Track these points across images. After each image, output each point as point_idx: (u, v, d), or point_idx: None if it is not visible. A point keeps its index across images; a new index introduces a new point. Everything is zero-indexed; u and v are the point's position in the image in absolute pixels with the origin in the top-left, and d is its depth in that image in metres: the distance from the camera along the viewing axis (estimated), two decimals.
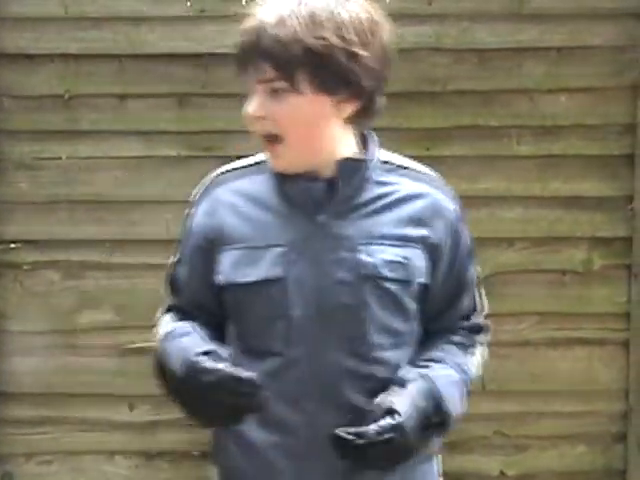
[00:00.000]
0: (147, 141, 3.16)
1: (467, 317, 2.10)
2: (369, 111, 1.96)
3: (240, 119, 3.13)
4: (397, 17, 3.14)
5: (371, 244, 1.93)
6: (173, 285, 2.12)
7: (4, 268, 3.21)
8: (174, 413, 3.26)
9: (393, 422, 1.87)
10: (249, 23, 1.88)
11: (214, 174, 2.07)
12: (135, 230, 3.18)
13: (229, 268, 1.97)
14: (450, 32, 3.14)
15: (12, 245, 3.20)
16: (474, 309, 2.11)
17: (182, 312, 2.08)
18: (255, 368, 1.89)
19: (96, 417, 3.27)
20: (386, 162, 2.01)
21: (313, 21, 1.82)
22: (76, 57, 3.12)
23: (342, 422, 1.91)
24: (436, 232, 1.98)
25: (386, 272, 1.93)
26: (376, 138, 2.03)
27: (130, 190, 3.17)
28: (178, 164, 3.16)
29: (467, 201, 3.19)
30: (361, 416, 1.91)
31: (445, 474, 3.01)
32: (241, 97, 3.12)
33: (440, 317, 2.07)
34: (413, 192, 1.99)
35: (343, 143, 1.94)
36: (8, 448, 3.27)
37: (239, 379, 1.82)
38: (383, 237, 1.94)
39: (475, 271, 2.10)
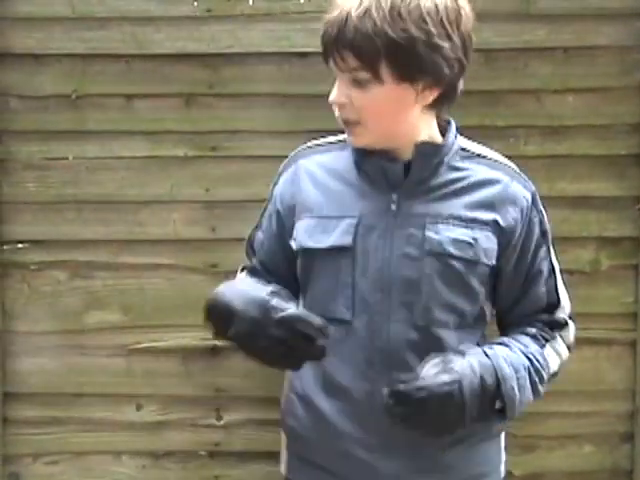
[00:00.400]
0: (154, 141, 3.16)
1: (548, 311, 2.11)
2: (449, 98, 2.04)
3: (247, 119, 3.17)
4: None
5: (439, 223, 2.00)
6: (250, 248, 2.20)
7: (11, 268, 3.21)
8: (181, 413, 3.30)
9: (452, 376, 1.88)
10: (333, 14, 1.92)
11: (301, 147, 2.15)
12: (142, 230, 3.17)
13: (304, 234, 2.04)
14: None
15: (19, 245, 3.20)
16: (556, 304, 2.12)
17: (255, 273, 2.20)
18: None
19: (103, 417, 3.27)
20: (464, 149, 2.09)
21: (396, 13, 1.88)
22: (83, 57, 3.12)
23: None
24: (507, 218, 2.04)
25: (452, 250, 1.99)
26: (455, 125, 2.10)
27: (137, 190, 3.17)
28: (185, 164, 3.16)
29: None
30: None
31: None
32: (248, 97, 3.16)
33: (515, 306, 2.11)
34: (486, 178, 2.06)
35: (423, 128, 2.01)
36: (15, 448, 3.27)
37: (306, 321, 1.85)
38: (452, 217, 2.00)
39: (554, 264, 2.11)
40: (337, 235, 2.00)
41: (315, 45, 3.21)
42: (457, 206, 2.01)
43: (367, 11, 1.88)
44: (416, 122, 1.99)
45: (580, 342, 3.21)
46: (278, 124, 3.09)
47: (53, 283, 3.21)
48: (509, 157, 3.08)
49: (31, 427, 3.26)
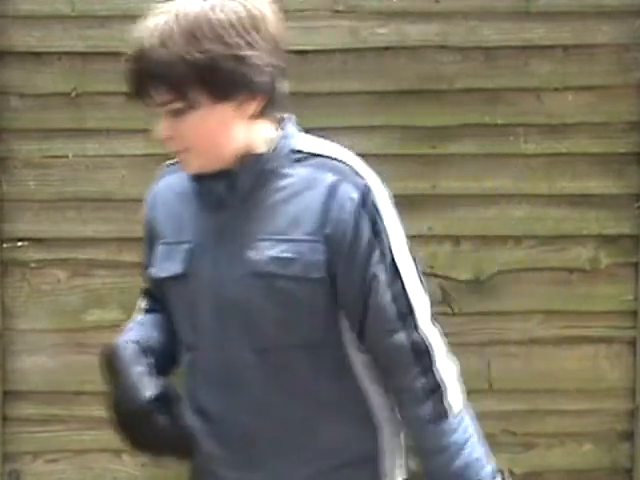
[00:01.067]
0: (154, 139, 3.16)
1: (402, 327, 1.90)
2: (274, 103, 1.92)
3: None
4: (404, 15, 3.19)
5: (262, 240, 1.89)
6: (146, 273, 2.16)
7: (11, 266, 3.21)
8: None
9: None
10: (131, 49, 1.84)
11: (161, 168, 2.11)
12: (142, 228, 3.17)
13: (156, 262, 2.01)
14: (457, 30, 3.14)
15: (19, 243, 3.21)
16: (407, 311, 1.91)
17: (151, 295, 2.17)
18: (184, 359, 2.01)
19: (103, 415, 3.24)
20: (298, 151, 1.94)
21: (193, 35, 1.79)
22: (83, 55, 3.13)
23: (250, 412, 1.92)
24: (333, 223, 1.88)
25: (273, 269, 1.88)
26: (291, 125, 1.97)
27: (137, 188, 3.15)
28: None
29: (473, 199, 3.23)
30: (269, 409, 1.92)
31: None
32: None
33: (364, 325, 1.92)
34: (312, 181, 1.90)
35: (252, 139, 1.91)
36: (15, 446, 3.28)
37: (179, 436, 1.93)
38: (275, 232, 1.89)
39: (398, 268, 1.91)
40: (175, 263, 1.96)
41: (314, 43, 3.24)
42: (281, 218, 1.89)
43: (163, 41, 1.79)
44: (245, 135, 1.90)
45: (579, 340, 3.24)
46: None
47: (53, 281, 3.22)
48: (509, 155, 3.10)
49: (31, 425, 3.27)
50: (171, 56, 1.78)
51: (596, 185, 3.20)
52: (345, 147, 3.12)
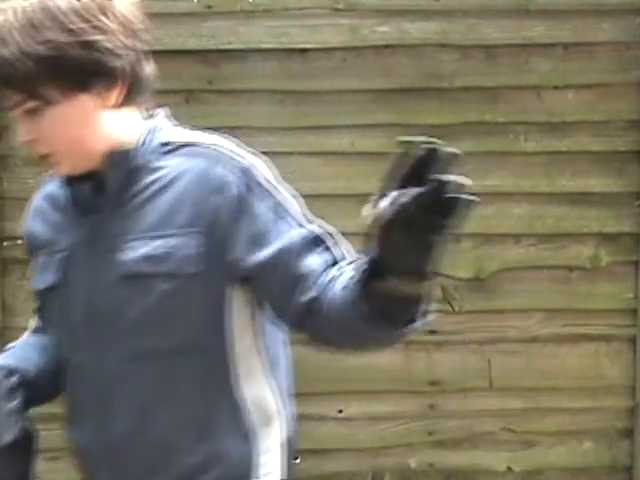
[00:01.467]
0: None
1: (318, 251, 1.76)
2: (140, 88, 1.79)
3: (247, 116, 3.17)
4: (404, 13, 3.19)
5: (135, 239, 1.78)
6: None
7: (11, 264, 3.21)
8: None
9: None
10: None
11: (43, 179, 1.98)
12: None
13: (34, 275, 1.91)
14: (457, 28, 3.14)
15: (19, 241, 3.20)
16: (323, 244, 1.77)
17: (41, 313, 2.02)
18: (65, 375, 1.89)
19: None
20: (166, 143, 1.83)
21: (33, 26, 1.67)
22: None
23: (124, 426, 1.82)
24: (208, 210, 1.75)
25: (145, 268, 1.77)
26: (162, 117, 1.86)
27: None
28: None
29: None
30: (139, 428, 1.82)
31: (453, 470, 3.01)
32: (248, 94, 3.16)
33: (299, 292, 1.74)
34: (182, 171, 1.78)
35: (119, 131, 1.80)
36: None
37: None
38: (148, 229, 1.77)
39: (308, 230, 1.76)
40: (50, 273, 1.86)
41: (315, 42, 3.24)
42: (152, 214, 1.77)
43: (3, 36, 1.67)
44: (110, 127, 1.78)
45: (580, 338, 3.24)
46: (278, 120, 3.09)
47: None
48: (509, 153, 3.08)
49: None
50: (11, 53, 1.66)
51: (596, 183, 3.20)
52: (345, 145, 3.12)
